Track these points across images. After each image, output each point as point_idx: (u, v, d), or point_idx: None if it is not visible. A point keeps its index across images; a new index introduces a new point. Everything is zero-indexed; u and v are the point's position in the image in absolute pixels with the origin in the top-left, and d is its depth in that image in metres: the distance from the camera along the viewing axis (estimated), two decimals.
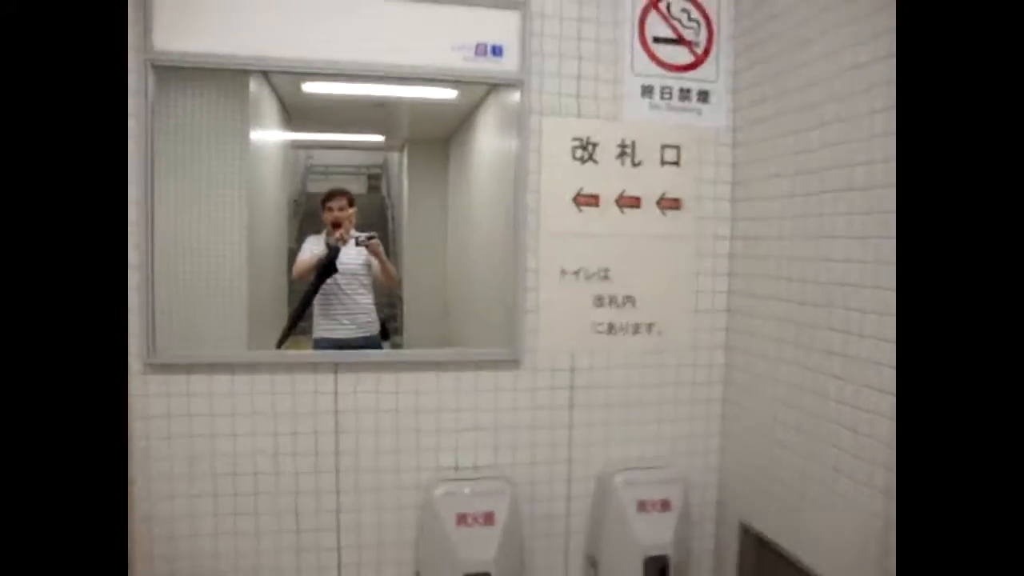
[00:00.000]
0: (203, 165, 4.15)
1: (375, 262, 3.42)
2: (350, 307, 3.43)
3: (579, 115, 2.62)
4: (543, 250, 2.63)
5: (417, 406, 2.58)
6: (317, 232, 3.60)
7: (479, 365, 2.62)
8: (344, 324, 3.40)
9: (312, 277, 3.38)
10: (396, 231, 8.98)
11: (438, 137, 7.76)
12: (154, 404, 2.46)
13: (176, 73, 2.51)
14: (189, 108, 3.39)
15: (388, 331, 3.61)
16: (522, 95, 2.57)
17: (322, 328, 3.42)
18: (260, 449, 2.51)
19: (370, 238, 3.32)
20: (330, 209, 3.49)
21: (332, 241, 3.36)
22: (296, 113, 5.92)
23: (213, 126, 4.42)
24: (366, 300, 3.51)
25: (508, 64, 2.54)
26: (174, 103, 2.69)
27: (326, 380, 2.52)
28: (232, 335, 3.19)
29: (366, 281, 3.48)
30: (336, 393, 2.53)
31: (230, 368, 2.49)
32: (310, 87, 5.23)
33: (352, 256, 3.40)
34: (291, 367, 2.52)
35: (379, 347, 3.46)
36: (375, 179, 9.86)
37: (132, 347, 2.44)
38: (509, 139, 4.69)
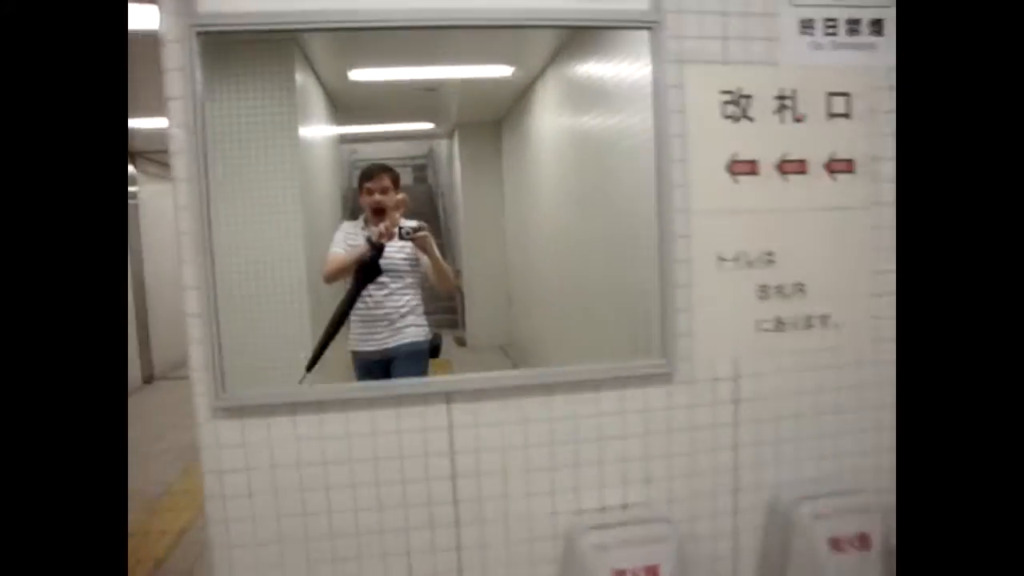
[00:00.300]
0: (252, 167, 3.69)
1: (424, 258, 2.80)
2: (391, 312, 2.84)
3: (726, 61, 2.09)
4: (694, 233, 2.10)
5: (552, 437, 2.08)
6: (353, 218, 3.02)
7: (623, 382, 2.10)
8: (381, 333, 2.84)
9: (348, 278, 2.79)
10: (448, 222, 8.61)
11: (489, 120, 7.39)
12: (229, 456, 1.98)
13: (218, 65, 2.02)
14: (233, 108, 2.90)
15: (439, 347, 2.99)
16: (654, 39, 2.03)
17: (358, 338, 2.87)
18: (362, 504, 2.02)
19: (417, 230, 2.67)
20: (369, 191, 2.81)
21: (374, 236, 2.70)
22: (342, 104, 5.51)
23: (260, 125, 3.96)
24: (412, 303, 2.89)
25: (638, 0, 2.01)
26: (216, 103, 2.22)
27: (437, 413, 2.03)
28: (296, 358, 2.75)
29: (412, 280, 2.87)
30: (451, 428, 2.03)
31: (319, 407, 2.00)
32: (357, 75, 4.80)
33: (395, 249, 2.78)
34: (394, 401, 2.02)
35: (425, 363, 2.91)
36: (421, 170, 9.55)
37: (197, 387, 1.97)
38: (577, 114, 4.15)
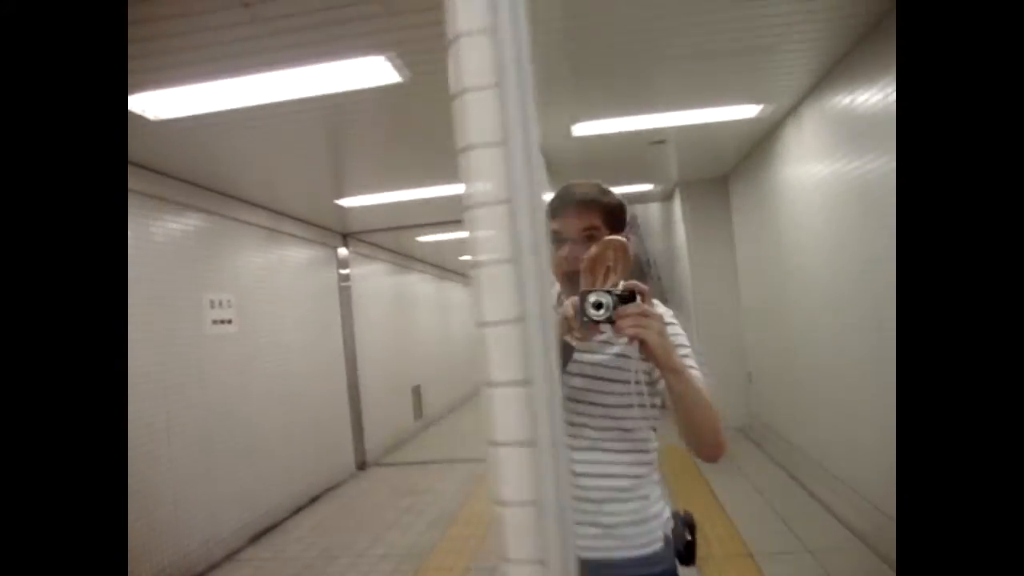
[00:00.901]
0: None
1: (657, 373, 1.34)
2: (592, 490, 1.44)
3: None
4: None
5: None
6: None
7: None
8: (581, 523, 1.41)
9: None
10: (667, 294, 7.77)
11: (713, 176, 6.59)
12: None
13: None
14: None
15: (691, 552, 1.49)
16: None
17: None
18: None
19: (624, 298, 1.24)
20: (558, 238, 1.45)
21: (560, 328, 1.27)
22: (558, 169, 4.91)
23: None
24: (637, 470, 1.46)
25: None
26: None
27: None
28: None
29: (636, 424, 1.43)
30: None
31: None
32: (581, 129, 4.15)
33: (607, 359, 1.44)
34: None
35: None
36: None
37: None
38: (856, 153, 3.39)
